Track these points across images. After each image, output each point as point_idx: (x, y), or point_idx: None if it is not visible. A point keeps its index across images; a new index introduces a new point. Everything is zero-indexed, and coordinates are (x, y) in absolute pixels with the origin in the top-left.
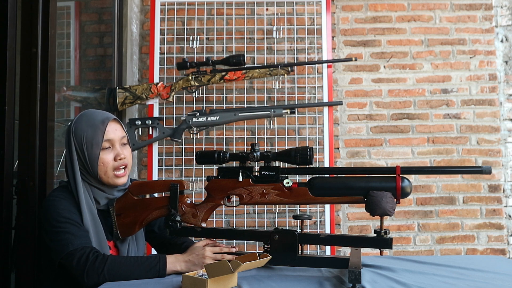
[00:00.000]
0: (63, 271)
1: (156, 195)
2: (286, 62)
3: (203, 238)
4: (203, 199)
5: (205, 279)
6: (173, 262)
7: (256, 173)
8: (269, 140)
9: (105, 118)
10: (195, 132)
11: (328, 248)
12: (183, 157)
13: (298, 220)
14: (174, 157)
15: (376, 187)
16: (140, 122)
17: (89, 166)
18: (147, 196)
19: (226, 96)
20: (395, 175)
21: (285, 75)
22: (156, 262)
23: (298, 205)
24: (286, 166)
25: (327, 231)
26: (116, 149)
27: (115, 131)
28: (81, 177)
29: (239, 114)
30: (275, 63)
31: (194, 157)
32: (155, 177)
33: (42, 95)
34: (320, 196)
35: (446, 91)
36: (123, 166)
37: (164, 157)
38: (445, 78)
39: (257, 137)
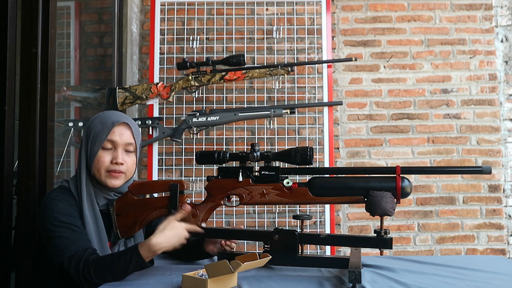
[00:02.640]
0: (63, 271)
1: (156, 195)
2: (286, 62)
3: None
4: (203, 199)
5: (205, 279)
6: (148, 247)
7: (256, 173)
8: (269, 140)
9: (116, 120)
10: (195, 132)
11: (328, 248)
12: (183, 157)
13: (298, 220)
14: (174, 157)
15: (376, 187)
16: (140, 122)
17: (88, 160)
18: (147, 196)
19: (226, 96)
20: (395, 175)
21: (285, 75)
22: (130, 255)
23: (298, 205)
24: (286, 166)
25: (327, 231)
26: (117, 153)
27: (121, 134)
28: (86, 173)
29: (239, 114)
30: (275, 63)
31: (194, 157)
32: (155, 177)
33: (42, 95)
34: (320, 196)
35: (446, 91)
36: (118, 172)
37: (164, 157)
38: (445, 78)
39: (257, 137)
